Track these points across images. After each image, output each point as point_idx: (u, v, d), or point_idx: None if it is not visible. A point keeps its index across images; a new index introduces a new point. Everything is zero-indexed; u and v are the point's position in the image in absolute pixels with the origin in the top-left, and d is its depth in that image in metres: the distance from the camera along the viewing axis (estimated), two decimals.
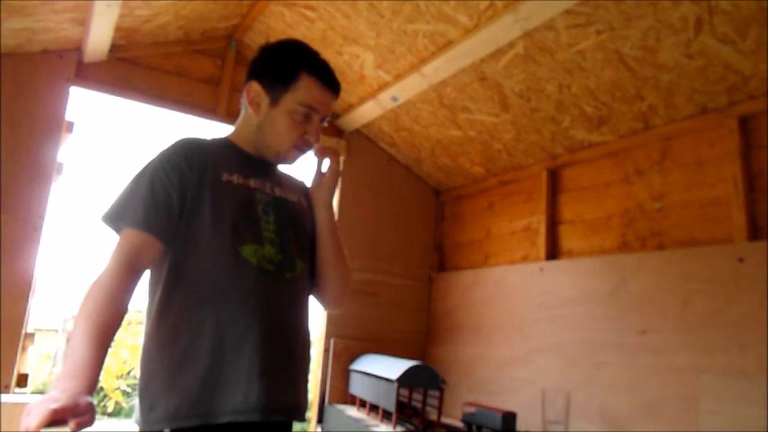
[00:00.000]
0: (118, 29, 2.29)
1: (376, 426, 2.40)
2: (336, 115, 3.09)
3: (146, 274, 1.13)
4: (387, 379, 2.42)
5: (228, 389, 1.05)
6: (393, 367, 2.44)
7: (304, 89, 1.18)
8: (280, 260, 1.16)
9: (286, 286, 1.16)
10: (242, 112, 1.26)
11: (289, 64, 1.20)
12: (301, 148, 1.23)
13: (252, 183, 1.20)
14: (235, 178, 1.18)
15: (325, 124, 1.27)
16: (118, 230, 1.09)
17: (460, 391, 2.81)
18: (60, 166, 2.45)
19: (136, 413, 1.07)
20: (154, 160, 1.13)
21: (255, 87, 1.21)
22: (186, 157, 1.13)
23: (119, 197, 1.11)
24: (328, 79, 1.22)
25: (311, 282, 1.29)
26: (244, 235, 1.13)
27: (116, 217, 1.10)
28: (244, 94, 1.23)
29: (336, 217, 3.25)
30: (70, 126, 2.49)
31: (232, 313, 1.08)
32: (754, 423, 1.63)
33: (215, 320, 1.07)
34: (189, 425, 1.02)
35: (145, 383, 1.07)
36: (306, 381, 1.24)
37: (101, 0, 1.98)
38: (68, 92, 2.44)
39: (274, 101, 1.20)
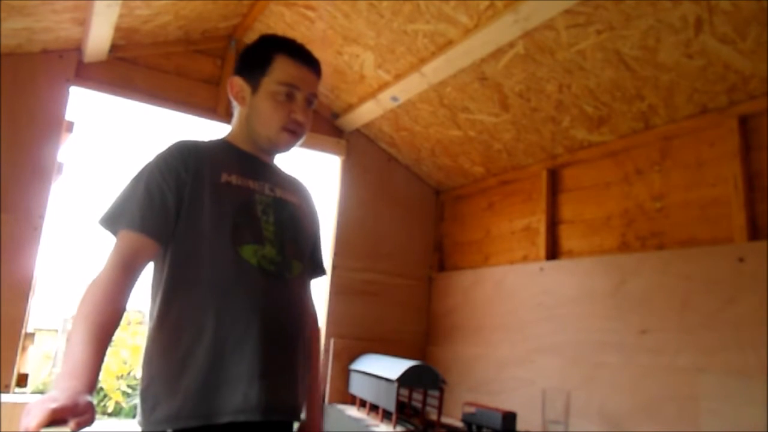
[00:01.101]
0: (118, 29, 2.29)
1: (376, 426, 2.40)
2: (336, 115, 3.09)
3: (147, 276, 1.13)
4: (387, 379, 2.42)
5: (228, 389, 1.05)
6: (393, 367, 2.44)
7: (280, 69, 1.20)
8: (280, 261, 1.17)
9: (286, 286, 1.16)
10: (234, 112, 1.28)
11: (263, 51, 1.23)
12: (291, 129, 1.22)
13: (251, 184, 1.20)
14: (234, 179, 1.18)
15: (313, 106, 1.26)
16: (114, 233, 1.10)
17: (460, 391, 2.81)
18: (60, 166, 2.45)
19: (139, 415, 1.08)
20: (150, 163, 1.14)
21: (237, 81, 1.24)
22: (182, 160, 1.14)
23: (116, 200, 1.12)
24: (303, 56, 1.23)
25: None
26: (244, 236, 1.13)
27: (113, 220, 1.10)
28: (229, 92, 1.25)
29: (336, 216, 3.23)
30: (70, 126, 2.49)
31: (232, 313, 1.08)
32: (754, 423, 1.63)
33: (215, 321, 1.07)
34: (190, 425, 1.02)
35: (146, 385, 1.08)
36: (305, 381, 1.24)
37: (101, 0, 1.98)
38: (68, 92, 2.44)
39: (255, 88, 1.21)
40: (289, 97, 1.20)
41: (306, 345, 1.23)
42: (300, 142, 1.26)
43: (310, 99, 1.24)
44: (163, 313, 1.09)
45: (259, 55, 1.23)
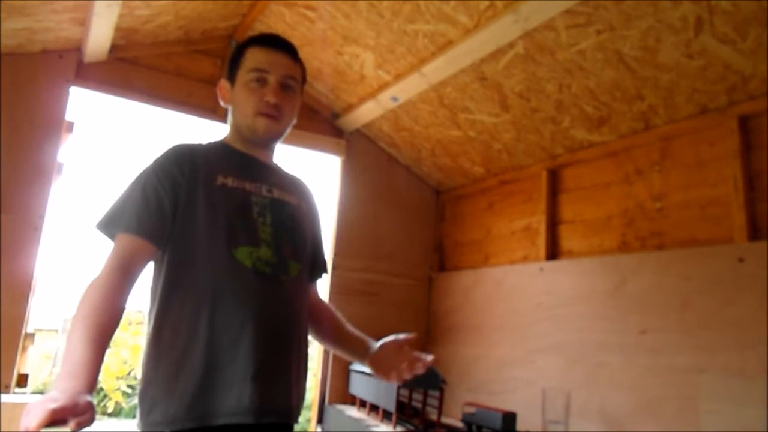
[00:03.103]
0: (118, 29, 2.29)
1: (376, 426, 2.40)
2: (336, 115, 3.09)
3: (145, 278, 1.14)
4: None
5: (223, 391, 1.05)
6: None
7: (250, 58, 1.23)
8: (276, 262, 1.16)
9: (282, 287, 1.16)
10: (227, 114, 1.30)
11: (239, 49, 1.27)
12: (266, 113, 1.21)
13: (248, 186, 1.20)
14: (230, 181, 1.18)
15: (291, 90, 1.24)
16: (112, 237, 1.10)
17: (460, 391, 2.81)
18: (60, 166, 2.45)
19: (137, 417, 1.08)
20: (147, 167, 1.15)
21: (222, 83, 1.29)
22: (178, 164, 1.15)
23: (113, 205, 1.13)
24: (271, 42, 1.25)
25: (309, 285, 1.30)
26: (239, 238, 1.13)
27: (110, 224, 1.11)
28: (218, 95, 1.29)
29: (336, 216, 3.23)
30: (70, 126, 2.50)
31: (226, 316, 1.08)
32: (754, 423, 1.63)
33: (210, 324, 1.07)
34: (186, 427, 1.03)
35: (144, 387, 1.08)
36: (304, 383, 1.24)
37: (101, 0, 1.98)
38: (68, 92, 2.44)
39: (233, 83, 1.25)
40: (261, 82, 1.21)
41: (304, 345, 1.23)
42: (282, 127, 1.24)
43: (285, 82, 1.23)
44: (159, 315, 1.10)
45: (236, 54, 1.27)
